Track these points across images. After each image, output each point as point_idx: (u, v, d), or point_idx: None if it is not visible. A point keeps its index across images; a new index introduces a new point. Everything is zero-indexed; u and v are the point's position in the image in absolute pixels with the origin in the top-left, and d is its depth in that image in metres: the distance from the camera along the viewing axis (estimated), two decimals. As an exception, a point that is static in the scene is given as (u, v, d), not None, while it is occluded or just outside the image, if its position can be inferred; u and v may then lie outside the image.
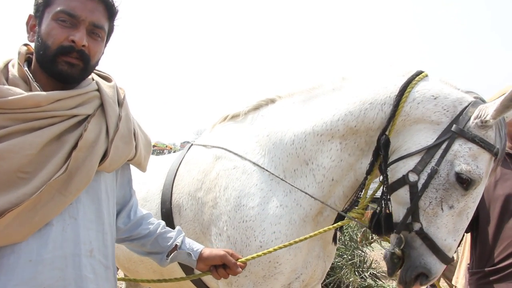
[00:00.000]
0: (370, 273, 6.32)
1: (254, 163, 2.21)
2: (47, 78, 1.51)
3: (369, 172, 2.05)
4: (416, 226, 1.88)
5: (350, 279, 5.57)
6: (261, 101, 2.45)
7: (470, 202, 1.87)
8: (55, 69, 1.48)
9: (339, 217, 2.17)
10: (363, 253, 6.34)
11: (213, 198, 2.26)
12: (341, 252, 5.92)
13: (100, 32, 1.55)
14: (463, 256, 3.72)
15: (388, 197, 2.02)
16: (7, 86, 1.40)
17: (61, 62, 1.47)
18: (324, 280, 5.40)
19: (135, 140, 1.68)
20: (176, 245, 1.88)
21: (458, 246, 2.47)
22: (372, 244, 6.74)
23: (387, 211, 2.03)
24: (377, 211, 2.05)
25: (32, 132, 1.39)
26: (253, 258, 1.98)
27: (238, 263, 1.90)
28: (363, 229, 6.62)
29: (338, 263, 5.70)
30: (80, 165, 1.46)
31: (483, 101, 1.93)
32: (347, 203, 2.17)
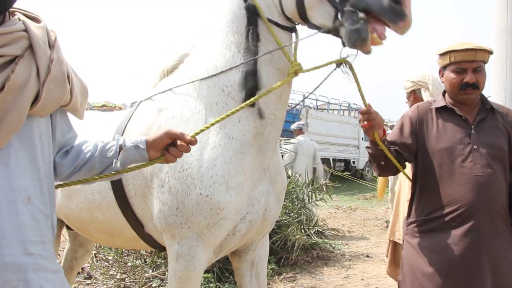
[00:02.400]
0: (316, 231, 6.50)
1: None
2: None
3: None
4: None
5: (296, 237, 5.69)
6: (181, 54, 2.43)
7: None
8: None
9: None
10: (309, 211, 6.49)
11: None
12: (288, 211, 6.03)
13: None
14: (398, 210, 3.90)
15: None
16: None
17: None
18: (271, 238, 5.51)
19: (69, 83, 1.58)
20: (120, 145, 1.77)
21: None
22: (318, 203, 6.91)
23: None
24: None
25: None
26: (202, 131, 1.89)
27: (187, 137, 1.78)
28: (310, 188, 6.77)
29: (284, 221, 5.80)
30: (10, 108, 1.38)
31: None
32: None
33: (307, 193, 6.69)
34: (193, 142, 1.78)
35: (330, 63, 2.07)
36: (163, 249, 2.43)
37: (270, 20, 2.08)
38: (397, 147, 2.51)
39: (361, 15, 1.80)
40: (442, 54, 2.51)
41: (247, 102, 2.01)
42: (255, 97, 2.02)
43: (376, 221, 8.95)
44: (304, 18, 2.03)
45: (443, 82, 2.58)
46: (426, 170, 2.49)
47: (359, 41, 1.83)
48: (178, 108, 2.26)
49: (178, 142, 1.76)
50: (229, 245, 2.26)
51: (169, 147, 1.77)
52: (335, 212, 10.02)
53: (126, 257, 5.30)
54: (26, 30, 1.47)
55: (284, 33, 2.12)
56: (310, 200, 6.68)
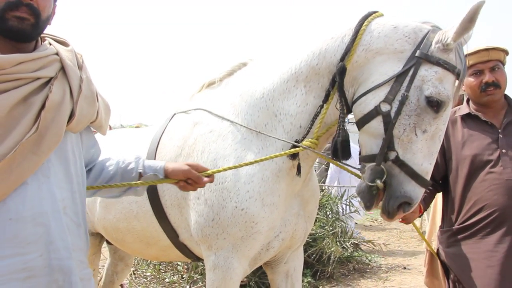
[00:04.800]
0: (351, 243, 6.44)
1: (231, 121, 2.25)
2: (1, 42, 1.52)
3: (325, 100, 2.07)
4: (392, 155, 1.89)
5: (332, 249, 5.67)
6: (234, 66, 2.49)
7: (441, 125, 1.91)
8: (6, 25, 1.48)
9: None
10: (344, 224, 6.45)
11: None
12: (322, 224, 6.02)
13: None
14: (435, 219, 3.85)
15: (345, 123, 2.05)
16: None
17: (11, 18, 1.48)
18: (306, 251, 5.50)
19: (98, 101, 1.72)
20: (139, 173, 1.91)
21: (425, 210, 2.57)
22: (353, 215, 6.86)
23: (344, 137, 2.05)
24: (335, 137, 2.06)
25: None
26: (218, 171, 2.00)
27: (204, 176, 1.91)
28: (344, 200, 6.74)
29: (319, 234, 5.79)
30: (49, 125, 1.50)
31: (440, 28, 1.97)
32: (302, 134, 2.16)
33: (341, 206, 6.66)
34: (210, 181, 1.94)
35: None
36: (197, 259, 2.51)
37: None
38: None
39: (379, 183, 1.90)
40: None
41: (291, 150, 2.08)
42: (297, 149, 2.09)
43: (412, 233, 8.78)
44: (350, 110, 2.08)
45: (464, 91, 2.58)
46: (456, 179, 2.49)
47: (363, 200, 2.00)
48: (216, 122, 2.32)
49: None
50: (263, 259, 2.34)
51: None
52: (370, 225, 9.90)
53: (164, 273, 5.40)
54: (57, 54, 1.60)
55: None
56: (344, 213, 6.64)
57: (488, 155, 2.40)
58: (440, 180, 2.63)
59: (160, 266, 5.50)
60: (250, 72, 2.38)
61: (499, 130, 2.44)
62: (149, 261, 5.47)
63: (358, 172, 2.09)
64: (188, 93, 2.69)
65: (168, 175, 1.91)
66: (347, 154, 2.04)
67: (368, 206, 1.99)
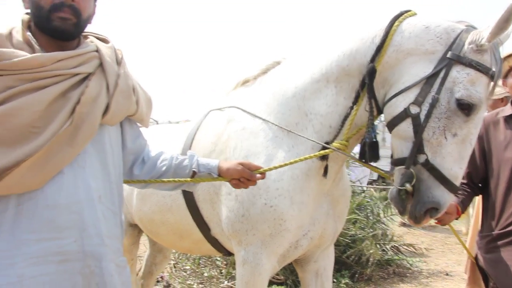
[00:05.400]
0: (392, 246, 6.33)
1: (263, 120, 2.28)
2: (47, 40, 1.63)
3: (354, 102, 2.06)
4: (421, 158, 1.87)
5: (371, 251, 5.59)
6: (268, 64, 2.51)
7: (473, 129, 1.87)
8: (51, 25, 1.59)
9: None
10: (384, 226, 6.35)
11: (225, 159, 2.35)
12: (362, 225, 5.95)
13: None
14: (477, 223, 3.74)
15: (373, 126, 2.03)
16: (12, 49, 1.52)
17: (55, 19, 1.58)
18: (345, 252, 5.46)
19: (134, 95, 1.80)
20: (194, 171, 1.99)
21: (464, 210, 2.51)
22: (395, 218, 6.74)
23: (374, 139, 2.03)
24: (365, 140, 2.04)
25: (39, 90, 1.52)
26: (270, 169, 2.03)
27: (256, 174, 1.98)
28: (385, 202, 6.62)
29: (359, 236, 5.73)
30: (84, 118, 1.59)
31: (474, 28, 1.91)
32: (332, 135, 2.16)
33: (382, 207, 6.55)
34: (262, 178, 2.01)
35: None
36: (228, 253, 2.55)
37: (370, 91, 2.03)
38: (465, 183, 2.51)
39: (409, 187, 1.88)
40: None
41: (321, 152, 2.10)
42: (327, 151, 2.10)
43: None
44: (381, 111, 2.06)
45: (508, 93, 2.50)
46: (497, 182, 2.42)
47: (395, 205, 1.99)
48: (249, 120, 2.36)
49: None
50: (291, 257, 2.35)
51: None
52: (414, 228, 9.67)
53: (203, 268, 5.50)
54: (97, 51, 1.70)
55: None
56: (385, 215, 6.53)
57: None
58: (479, 183, 2.55)
59: (200, 261, 5.61)
60: (283, 71, 2.40)
61: None
62: (188, 255, 5.59)
63: (386, 174, 2.08)
64: (224, 90, 2.74)
65: (222, 174, 1.99)
66: (375, 156, 2.03)
67: (401, 211, 1.97)
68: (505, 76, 2.46)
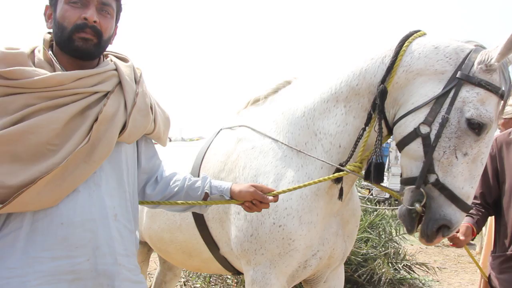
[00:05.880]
0: (404, 265, 6.25)
1: (273, 139, 2.29)
2: (68, 59, 1.67)
3: (367, 123, 2.06)
4: (432, 178, 1.86)
5: (383, 270, 5.53)
6: (279, 84, 2.54)
7: (483, 148, 1.86)
8: (72, 46, 1.63)
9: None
10: (397, 245, 6.28)
11: (234, 178, 2.36)
12: (374, 244, 5.89)
13: (108, 9, 1.69)
14: (490, 244, 3.69)
15: (381, 147, 2.02)
16: (33, 68, 1.56)
17: (77, 39, 1.62)
18: (357, 271, 5.40)
19: (152, 114, 1.82)
20: (206, 193, 1.99)
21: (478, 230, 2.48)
22: (408, 237, 6.66)
23: (380, 160, 2.03)
24: (370, 159, 2.04)
25: (57, 108, 1.55)
26: (283, 192, 2.03)
27: (269, 196, 1.97)
28: (398, 221, 6.55)
29: (371, 255, 5.67)
30: (102, 136, 1.61)
31: (483, 48, 1.92)
32: (345, 157, 2.16)
33: (394, 226, 6.49)
34: (275, 201, 2.00)
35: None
36: (237, 272, 2.54)
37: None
38: (478, 203, 2.49)
39: (418, 207, 1.88)
40: None
41: (335, 175, 2.10)
42: (341, 173, 2.09)
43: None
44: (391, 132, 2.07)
45: None
46: (509, 203, 2.40)
47: (404, 223, 2.00)
48: (258, 139, 2.37)
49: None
50: (301, 276, 2.34)
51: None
52: (426, 248, 9.54)
53: (213, 286, 5.47)
54: (116, 69, 1.73)
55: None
56: (398, 234, 6.46)
57: None
58: (493, 203, 2.53)
59: (210, 279, 5.58)
60: (293, 90, 2.42)
61: None
62: (199, 273, 5.56)
63: (396, 193, 2.07)
64: (234, 109, 2.76)
65: (234, 197, 1.98)
66: (380, 178, 2.02)
67: (409, 230, 1.97)
68: None
